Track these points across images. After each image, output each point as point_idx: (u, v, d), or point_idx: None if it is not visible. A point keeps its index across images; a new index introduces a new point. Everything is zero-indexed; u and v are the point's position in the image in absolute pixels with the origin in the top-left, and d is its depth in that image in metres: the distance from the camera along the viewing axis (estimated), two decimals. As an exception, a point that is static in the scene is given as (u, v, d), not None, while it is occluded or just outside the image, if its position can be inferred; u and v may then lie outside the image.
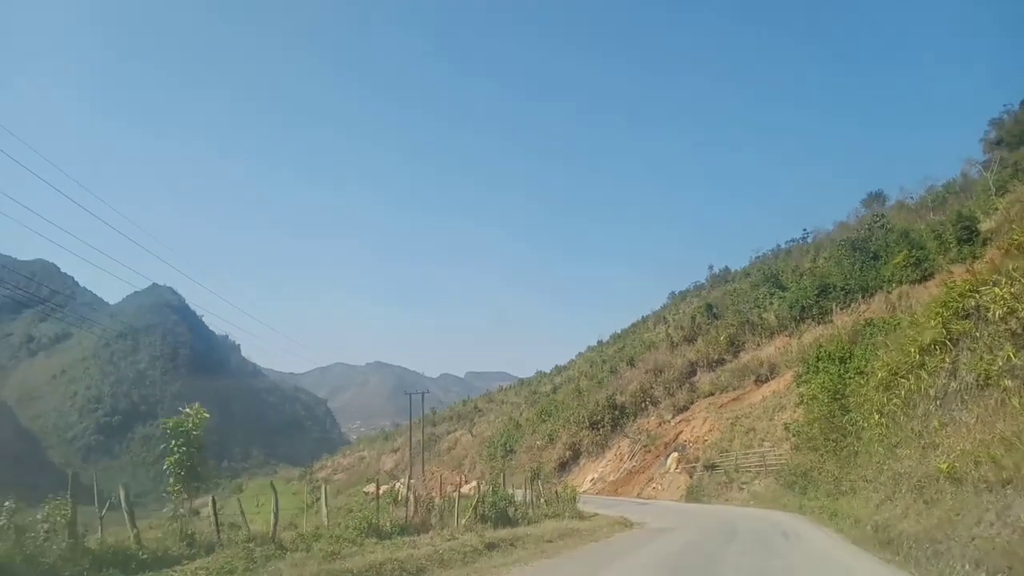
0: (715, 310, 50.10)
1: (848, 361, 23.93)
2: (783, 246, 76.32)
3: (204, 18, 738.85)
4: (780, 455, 27.95)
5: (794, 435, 25.59)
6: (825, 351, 26.58)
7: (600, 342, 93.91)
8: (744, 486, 28.86)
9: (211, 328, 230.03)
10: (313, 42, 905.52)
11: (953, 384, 14.62)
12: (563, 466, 45.91)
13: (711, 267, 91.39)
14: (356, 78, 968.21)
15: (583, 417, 46.06)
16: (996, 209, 43.13)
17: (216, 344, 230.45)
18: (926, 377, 15.41)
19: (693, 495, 30.46)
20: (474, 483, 31.74)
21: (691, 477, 31.88)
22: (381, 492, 46.80)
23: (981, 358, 12.61)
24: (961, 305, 14.93)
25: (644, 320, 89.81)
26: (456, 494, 32.26)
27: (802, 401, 25.16)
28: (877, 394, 18.39)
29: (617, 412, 44.48)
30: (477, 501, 17.08)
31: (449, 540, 12.85)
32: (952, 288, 15.53)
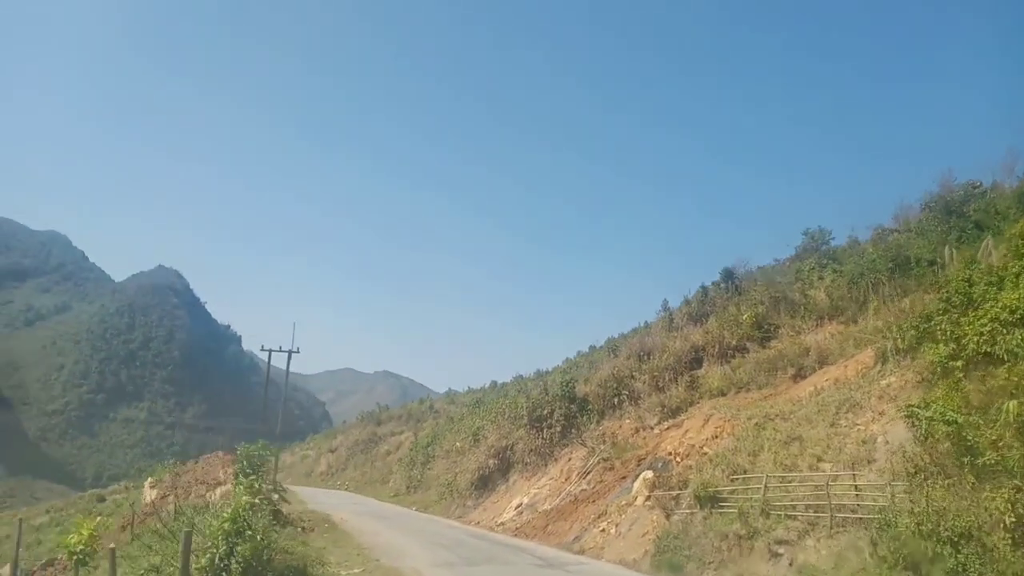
0: (737, 280, 33.76)
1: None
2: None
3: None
4: (860, 489, 12.76)
5: (922, 441, 10.23)
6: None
7: (592, 347, 77.43)
8: (782, 549, 13.37)
9: (213, 316, 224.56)
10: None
11: None
12: (484, 481, 30.02)
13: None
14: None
15: (521, 409, 30.02)
16: None
17: (216, 333, 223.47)
18: None
19: (665, 555, 14.87)
20: (228, 486, 17.99)
21: (667, 518, 16.15)
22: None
23: None
24: None
25: (647, 326, 72.93)
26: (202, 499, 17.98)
27: (938, 367, 9.96)
28: None
29: (575, 407, 27.99)
30: None
31: None
32: None
